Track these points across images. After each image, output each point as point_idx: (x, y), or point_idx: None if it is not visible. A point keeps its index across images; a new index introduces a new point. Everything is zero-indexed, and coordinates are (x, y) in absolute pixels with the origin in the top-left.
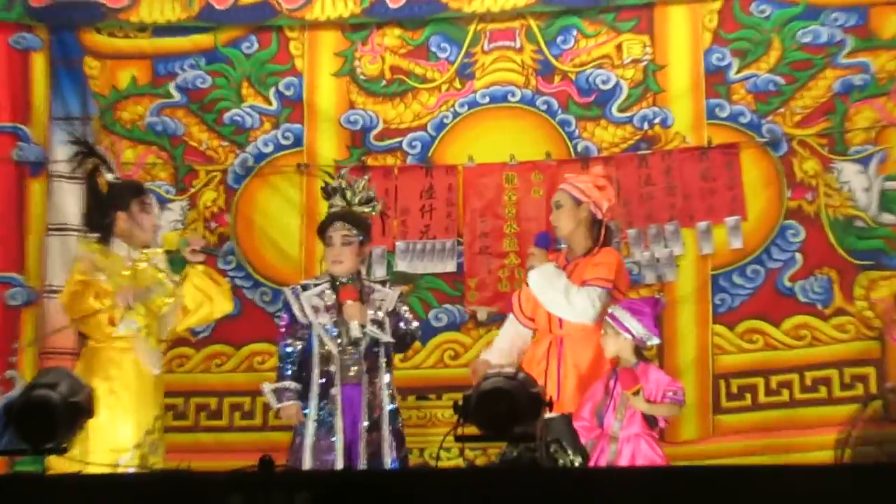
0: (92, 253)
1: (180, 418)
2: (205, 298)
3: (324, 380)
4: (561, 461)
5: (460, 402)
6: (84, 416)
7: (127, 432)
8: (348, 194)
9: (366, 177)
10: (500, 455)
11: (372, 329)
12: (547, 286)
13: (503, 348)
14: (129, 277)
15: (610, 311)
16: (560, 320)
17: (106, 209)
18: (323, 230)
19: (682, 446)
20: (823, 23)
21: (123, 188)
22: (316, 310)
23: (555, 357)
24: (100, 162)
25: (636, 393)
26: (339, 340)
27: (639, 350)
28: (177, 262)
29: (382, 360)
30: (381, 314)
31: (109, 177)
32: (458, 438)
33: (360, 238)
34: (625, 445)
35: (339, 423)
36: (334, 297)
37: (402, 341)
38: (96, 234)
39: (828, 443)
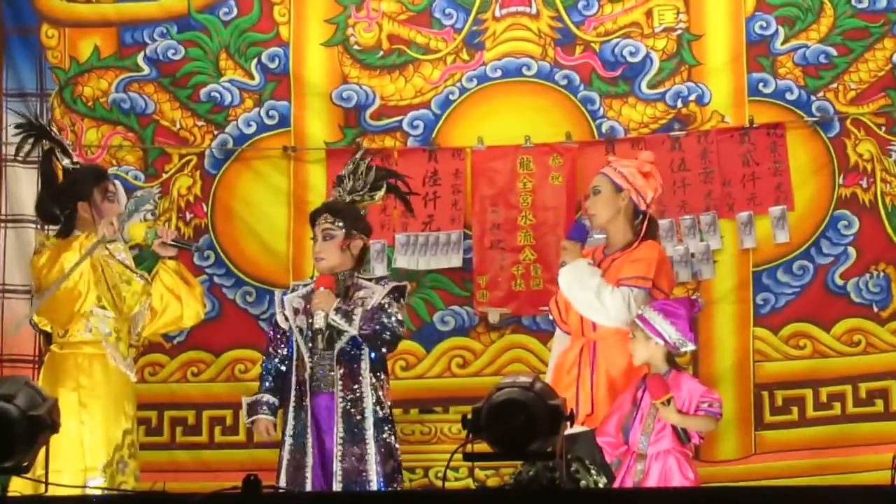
0: (53, 248)
1: (154, 434)
2: (173, 300)
3: (299, 389)
4: (583, 482)
5: (469, 416)
6: (46, 430)
7: (98, 449)
8: (345, 181)
9: (368, 158)
10: (515, 475)
11: (335, 318)
12: (577, 285)
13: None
14: (97, 274)
15: (640, 312)
16: (593, 323)
17: (64, 199)
18: (312, 224)
19: (720, 466)
20: None
21: (83, 175)
22: (296, 312)
23: (587, 364)
24: (54, 145)
25: (666, 403)
26: (310, 345)
27: (671, 357)
28: (145, 257)
29: (365, 363)
30: (352, 307)
31: (66, 162)
32: (468, 457)
33: (345, 230)
34: (653, 464)
35: (309, 440)
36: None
37: (375, 335)
38: (54, 228)
39: (884, 462)
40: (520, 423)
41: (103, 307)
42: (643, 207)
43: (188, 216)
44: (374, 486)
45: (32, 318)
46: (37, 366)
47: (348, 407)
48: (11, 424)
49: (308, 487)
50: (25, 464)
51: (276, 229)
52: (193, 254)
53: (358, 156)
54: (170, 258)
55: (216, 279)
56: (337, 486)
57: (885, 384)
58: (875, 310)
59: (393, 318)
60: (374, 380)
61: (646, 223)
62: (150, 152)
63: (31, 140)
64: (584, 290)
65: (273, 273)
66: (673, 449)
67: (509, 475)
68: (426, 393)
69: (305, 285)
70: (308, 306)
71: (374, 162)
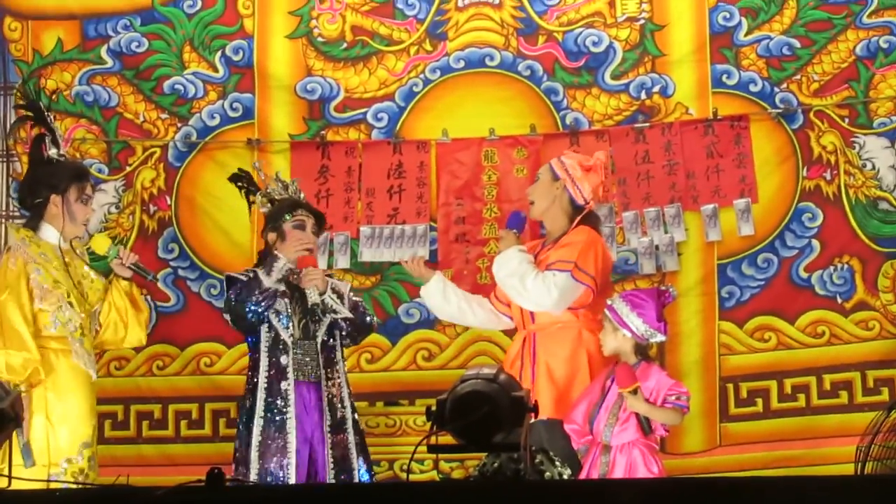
0: (23, 242)
1: (120, 428)
2: (119, 322)
3: (272, 371)
4: (548, 473)
5: (433, 408)
6: (10, 424)
7: (63, 443)
8: (291, 189)
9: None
10: (479, 467)
11: (331, 297)
12: (505, 272)
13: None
14: (62, 270)
15: (609, 303)
16: (531, 314)
17: (39, 188)
18: (282, 214)
19: (686, 458)
20: None
21: (65, 169)
22: (281, 295)
23: (529, 356)
24: (47, 132)
25: (633, 392)
26: (290, 331)
27: (641, 348)
28: (101, 267)
29: (339, 353)
30: (342, 290)
31: (52, 152)
32: (432, 448)
33: (318, 229)
34: (618, 456)
35: (291, 423)
36: (286, 284)
37: (363, 323)
38: (24, 217)
39: (848, 454)
40: (484, 414)
41: (70, 303)
42: (580, 201)
43: (152, 209)
44: (357, 475)
45: None
46: None
47: (331, 396)
48: None
49: (292, 471)
50: None
51: (240, 222)
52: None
53: (270, 175)
54: (124, 278)
55: (180, 272)
56: (329, 475)
57: (850, 376)
58: (839, 301)
59: (369, 310)
60: (344, 368)
61: (583, 215)
62: (113, 145)
63: (26, 121)
64: (510, 276)
65: (237, 265)
66: (637, 441)
67: (474, 467)
68: (392, 386)
69: (265, 272)
70: (282, 289)
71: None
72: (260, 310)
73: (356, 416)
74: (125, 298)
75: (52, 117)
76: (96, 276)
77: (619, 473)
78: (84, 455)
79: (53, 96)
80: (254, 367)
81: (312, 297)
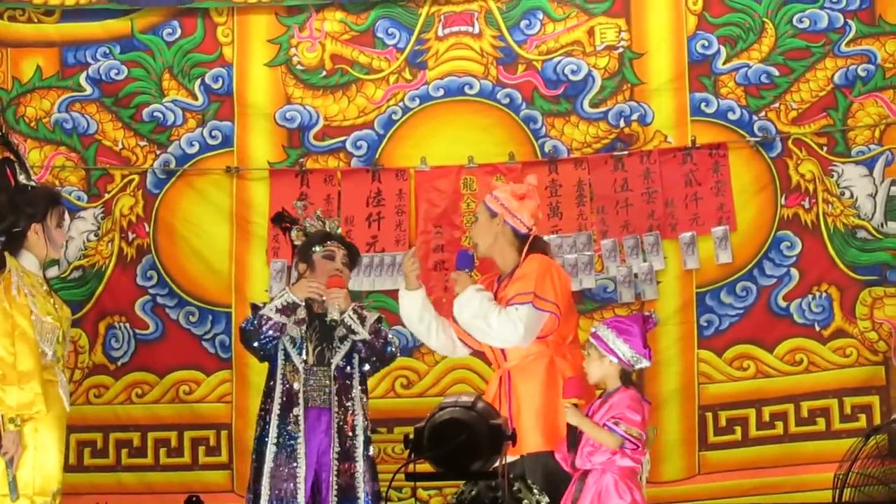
0: (18, 273)
1: (99, 456)
2: None
3: (285, 398)
4: (525, 501)
5: (411, 436)
6: None
7: (52, 473)
8: (328, 226)
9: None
10: (457, 495)
11: (351, 317)
12: (468, 313)
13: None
14: (48, 300)
15: (593, 330)
16: (503, 352)
17: (16, 216)
18: (312, 244)
19: (665, 486)
20: (823, 5)
21: (41, 196)
22: (285, 323)
23: (506, 394)
24: (13, 158)
25: (574, 405)
26: (304, 357)
27: (626, 374)
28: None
29: (356, 380)
30: (365, 313)
31: (22, 178)
32: (410, 476)
33: (349, 263)
34: (589, 483)
35: (301, 449)
36: (307, 311)
37: (382, 349)
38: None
39: (826, 481)
40: (462, 442)
41: (58, 334)
42: (523, 230)
43: (130, 236)
44: None
45: None
46: None
47: (341, 423)
48: None
49: (301, 498)
50: None
51: (219, 249)
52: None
53: (313, 212)
54: None
55: (159, 299)
56: (332, 503)
57: (827, 403)
58: (817, 329)
59: (392, 337)
60: (362, 397)
61: (528, 243)
62: (92, 172)
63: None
64: (474, 317)
65: (216, 293)
66: (612, 467)
67: (452, 495)
68: (370, 413)
69: (285, 298)
70: (299, 317)
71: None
72: (265, 342)
73: (370, 446)
74: None
75: (16, 143)
76: (63, 305)
77: (586, 501)
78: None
79: (33, 124)
80: (268, 393)
81: (332, 314)
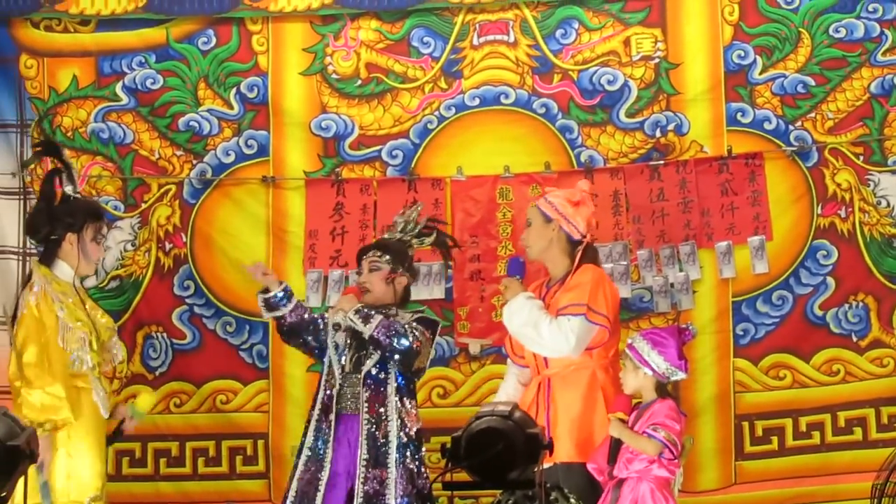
0: (47, 280)
1: (138, 465)
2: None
3: (322, 404)
4: None
5: (448, 445)
6: (25, 460)
7: (86, 480)
8: (398, 224)
9: (418, 206)
10: None
11: (352, 318)
12: (518, 321)
13: (510, 394)
14: (80, 308)
15: (629, 341)
16: (545, 359)
17: (55, 224)
18: (358, 261)
19: (701, 496)
20: (860, 15)
21: (82, 208)
22: (335, 329)
23: (543, 401)
24: (62, 168)
25: (619, 419)
26: (342, 364)
27: (661, 386)
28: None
29: (391, 387)
30: (373, 312)
31: (69, 189)
32: (447, 486)
33: (391, 266)
34: (625, 491)
35: (329, 455)
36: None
37: (388, 342)
38: (37, 249)
39: (864, 490)
40: (499, 451)
41: (90, 341)
42: (577, 236)
43: (167, 246)
44: None
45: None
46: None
47: (373, 430)
48: None
49: (318, 502)
50: (4, 494)
51: (255, 259)
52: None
53: (415, 212)
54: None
55: (196, 309)
56: None
57: (864, 412)
58: (854, 339)
59: (409, 331)
60: (399, 404)
61: (581, 251)
62: (129, 182)
63: (42, 156)
64: (524, 325)
65: (253, 303)
66: (648, 475)
67: None
68: None
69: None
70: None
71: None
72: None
73: (408, 451)
74: None
75: (67, 154)
76: (104, 314)
77: None
78: (104, 494)
79: (69, 133)
80: (313, 402)
81: (337, 318)
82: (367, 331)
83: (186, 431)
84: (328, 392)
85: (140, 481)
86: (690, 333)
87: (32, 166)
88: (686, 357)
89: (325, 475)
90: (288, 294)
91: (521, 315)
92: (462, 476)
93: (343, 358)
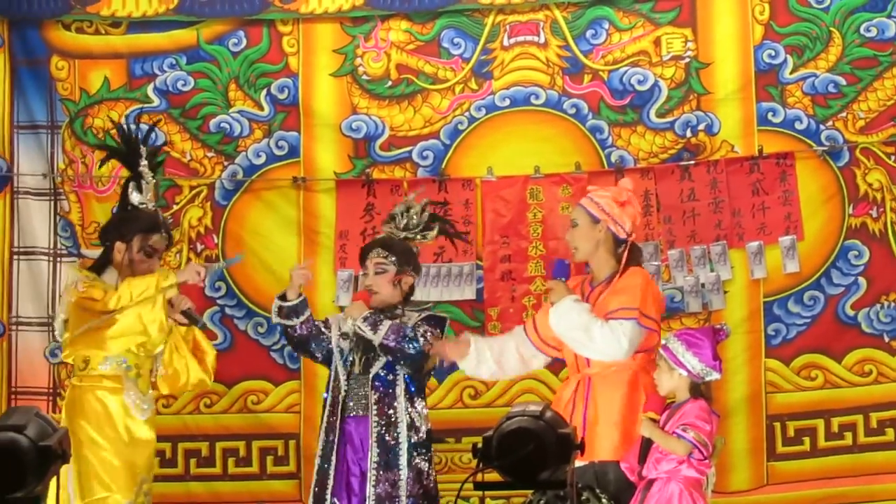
0: (86, 278)
1: (168, 466)
2: (182, 369)
3: (330, 408)
4: None
5: (480, 445)
6: (57, 461)
7: (120, 483)
8: (398, 219)
9: (425, 200)
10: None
11: (361, 325)
12: (566, 324)
13: (495, 340)
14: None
15: (663, 342)
16: (586, 359)
17: (109, 232)
18: (362, 260)
19: (733, 497)
20: (891, 14)
21: (135, 218)
22: (343, 337)
23: (581, 400)
24: (135, 176)
25: (651, 419)
26: (348, 368)
27: (696, 386)
28: None
29: (400, 389)
30: (381, 318)
31: (135, 198)
32: (478, 486)
33: (398, 267)
34: (655, 489)
35: (333, 460)
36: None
37: (397, 347)
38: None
39: None
40: (530, 451)
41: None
42: (623, 236)
43: (199, 247)
44: None
45: (55, 348)
46: (51, 398)
47: (382, 432)
48: (22, 455)
49: None
50: (37, 494)
51: (287, 260)
52: (204, 289)
53: (411, 196)
54: (180, 324)
55: (227, 310)
56: None
57: None
58: (886, 339)
59: (418, 335)
60: (408, 406)
61: (627, 251)
62: (160, 184)
63: (114, 159)
64: (573, 329)
65: None
66: (677, 475)
67: None
68: (438, 424)
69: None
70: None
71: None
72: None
73: (417, 452)
74: (182, 345)
75: (145, 162)
76: (168, 320)
77: None
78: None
79: (101, 135)
80: (324, 406)
81: (346, 326)
82: (376, 339)
83: (217, 432)
84: (335, 395)
85: (170, 481)
86: (725, 333)
87: (63, 167)
88: (720, 357)
89: (330, 482)
90: (304, 305)
91: (569, 318)
92: (493, 476)
93: (349, 362)
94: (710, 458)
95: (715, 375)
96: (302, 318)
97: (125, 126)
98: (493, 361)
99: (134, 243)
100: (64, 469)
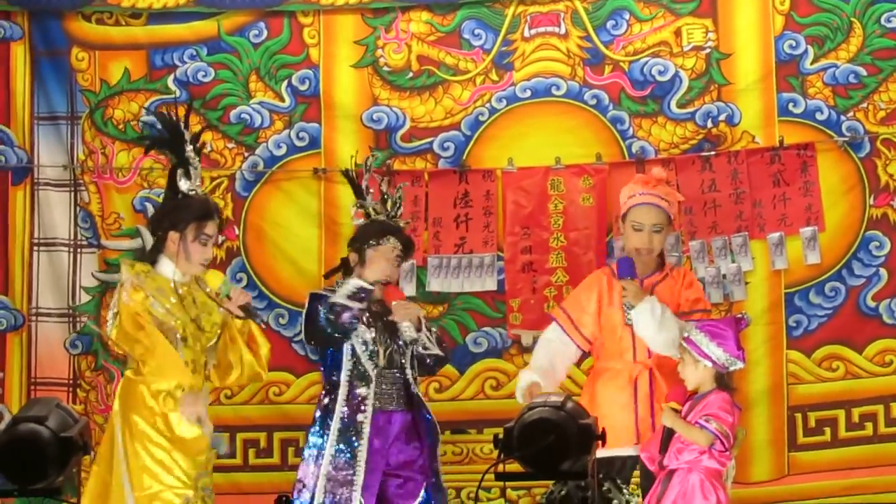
0: (138, 277)
1: None
2: (236, 361)
3: (350, 402)
4: (615, 501)
5: (501, 436)
6: (78, 452)
7: (171, 478)
8: (389, 204)
9: (400, 185)
10: (547, 495)
11: (428, 335)
12: (655, 327)
13: (545, 367)
14: (177, 305)
15: (685, 335)
16: (648, 350)
17: (161, 221)
18: (367, 239)
19: (754, 487)
20: None
21: (187, 206)
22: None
23: (647, 392)
24: (183, 162)
25: (673, 409)
26: (375, 362)
27: (720, 377)
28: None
29: (416, 380)
30: (432, 327)
31: (184, 185)
32: (500, 476)
33: (404, 256)
34: (676, 480)
35: (363, 455)
36: (373, 308)
37: (447, 358)
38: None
39: None
40: (551, 442)
41: (184, 338)
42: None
43: (220, 239)
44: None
45: (105, 336)
46: (71, 389)
47: (412, 426)
48: (44, 446)
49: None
50: (58, 485)
51: (308, 251)
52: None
53: (384, 184)
54: (236, 317)
55: None
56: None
57: None
58: None
59: (442, 340)
60: (421, 396)
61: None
62: None
63: (161, 146)
64: (664, 330)
65: (305, 295)
66: (698, 466)
67: (541, 495)
68: (460, 415)
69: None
70: (367, 317)
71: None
72: (332, 318)
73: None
74: (238, 338)
75: (191, 147)
76: (217, 310)
77: (670, 499)
78: (201, 482)
79: (121, 126)
80: (331, 389)
81: (408, 332)
82: (435, 349)
83: (237, 423)
84: (356, 390)
85: None
86: (745, 321)
87: (83, 158)
88: (743, 347)
89: (359, 477)
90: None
91: (658, 321)
92: (514, 467)
93: (375, 357)
94: (732, 450)
95: (739, 365)
96: (362, 306)
97: (167, 113)
98: (552, 386)
99: (188, 232)
100: (118, 460)
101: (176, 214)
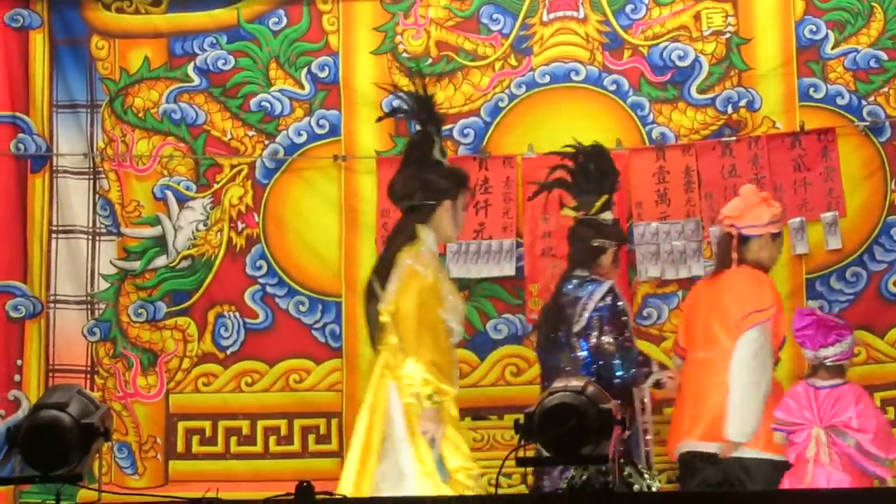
0: (423, 254)
1: (208, 444)
2: None
3: None
4: (636, 486)
5: (522, 421)
6: (99, 438)
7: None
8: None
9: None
10: (568, 480)
11: None
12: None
13: None
14: (441, 279)
15: None
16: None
17: (430, 190)
18: (452, 184)
19: None
20: None
21: (455, 174)
22: None
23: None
24: (432, 131)
25: None
26: None
27: None
28: None
29: None
30: None
31: (437, 154)
32: (520, 462)
33: None
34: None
35: None
36: None
37: None
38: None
39: None
40: (572, 427)
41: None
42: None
43: (240, 226)
44: None
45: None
46: (88, 376)
47: None
48: (65, 432)
49: None
50: (79, 471)
51: (328, 238)
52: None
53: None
54: None
55: (269, 289)
56: None
57: None
58: None
59: None
60: None
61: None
62: (201, 163)
63: (405, 116)
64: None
65: (325, 282)
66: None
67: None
68: (480, 401)
69: None
70: None
71: None
72: None
73: None
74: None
75: (440, 117)
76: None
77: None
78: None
79: (141, 114)
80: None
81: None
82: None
83: (258, 410)
84: None
85: (211, 459)
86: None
87: (104, 146)
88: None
89: None
90: None
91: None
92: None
93: None
94: None
95: None
96: None
97: (417, 82)
98: None
99: (459, 200)
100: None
101: (448, 182)
